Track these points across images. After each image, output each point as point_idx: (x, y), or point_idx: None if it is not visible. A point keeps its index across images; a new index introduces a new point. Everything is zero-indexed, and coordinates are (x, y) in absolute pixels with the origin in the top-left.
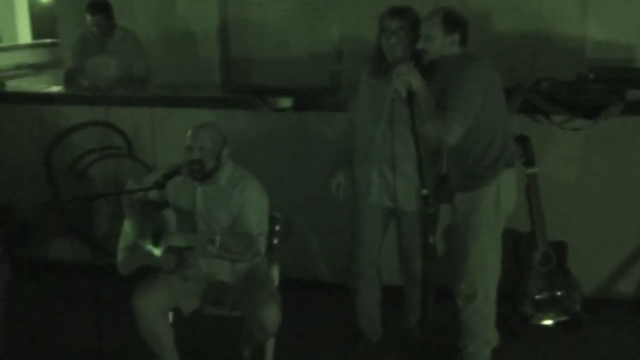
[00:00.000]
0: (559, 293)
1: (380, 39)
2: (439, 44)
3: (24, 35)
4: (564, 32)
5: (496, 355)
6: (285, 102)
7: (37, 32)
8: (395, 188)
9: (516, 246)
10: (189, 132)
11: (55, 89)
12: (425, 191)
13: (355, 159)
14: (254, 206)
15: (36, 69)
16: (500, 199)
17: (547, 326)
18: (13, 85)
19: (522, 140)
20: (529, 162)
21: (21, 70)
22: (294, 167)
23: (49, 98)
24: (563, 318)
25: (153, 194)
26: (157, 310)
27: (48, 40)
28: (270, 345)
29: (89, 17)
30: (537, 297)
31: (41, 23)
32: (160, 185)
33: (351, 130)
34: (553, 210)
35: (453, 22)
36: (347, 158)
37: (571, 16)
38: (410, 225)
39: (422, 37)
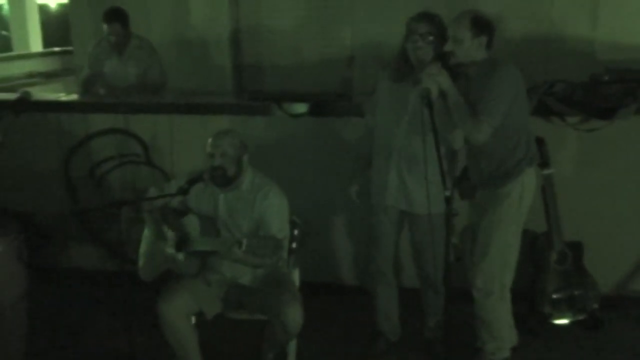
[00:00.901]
0: (576, 292)
1: (406, 41)
2: (467, 46)
3: (35, 43)
4: (575, 34)
5: (515, 354)
6: (302, 108)
7: (46, 40)
8: (412, 191)
9: (533, 246)
10: (210, 140)
11: (64, 96)
12: (448, 193)
13: (374, 161)
14: (276, 212)
15: (47, 77)
16: (523, 196)
17: (565, 325)
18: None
19: (538, 142)
20: (545, 164)
21: (33, 78)
22: (311, 171)
23: (69, 106)
24: (581, 317)
25: (174, 201)
26: (181, 314)
27: (58, 49)
28: (292, 347)
29: (105, 26)
30: (555, 296)
31: (50, 30)
32: (184, 191)
33: (368, 134)
34: (569, 210)
35: (481, 24)
36: (367, 163)
37: (582, 19)
38: (424, 228)
39: (450, 39)
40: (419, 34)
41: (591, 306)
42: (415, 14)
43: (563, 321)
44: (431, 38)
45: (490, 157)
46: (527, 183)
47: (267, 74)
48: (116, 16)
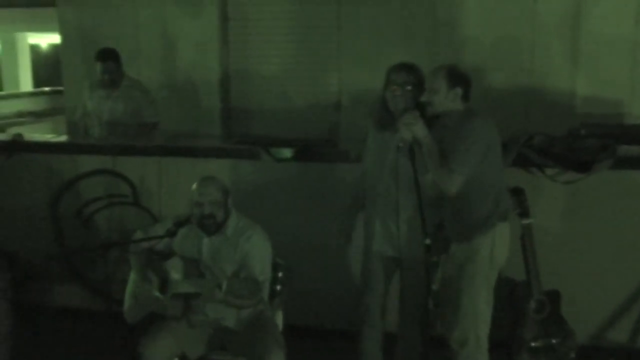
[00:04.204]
0: (553, 340)
1: (385, 91)
2: (442, 97)
3: (26, 83)
4: (555, 87)
5: None
6: (288, 153)
7: (36, 78)
8: (399, 236)
9: (512, 294)
10: (196, 188)
11: (53, 137)
12: (428, 241)
13: (366, 207)
14: (258, 254)
15: (37, 116)
16: (494, 252)
17: None
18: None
19: (517, 192)
20: (524, 214)
21: (22, 117)
22: (297, 215)
23: (59, 147)
24: None
25: (160, 244)
26: (164, 357)
27: (48, 89)
28: None
29: (98, 65)
30: (533, 344)
31: (40, 69)
32: (171, 234)
33: (362, 179)
34: (547, 259)
35: (456, 77)
36: (358, 206)
37: (562, 72)
38: (414, 272)
39: (427, 90)
40: (397, 83)
41: (568, 355)
42: (395, 64)
43: None
44: (409, 87)
45: (460, 207)
46: (498, 239)
47: (256, 118)
48: (110, 55)
